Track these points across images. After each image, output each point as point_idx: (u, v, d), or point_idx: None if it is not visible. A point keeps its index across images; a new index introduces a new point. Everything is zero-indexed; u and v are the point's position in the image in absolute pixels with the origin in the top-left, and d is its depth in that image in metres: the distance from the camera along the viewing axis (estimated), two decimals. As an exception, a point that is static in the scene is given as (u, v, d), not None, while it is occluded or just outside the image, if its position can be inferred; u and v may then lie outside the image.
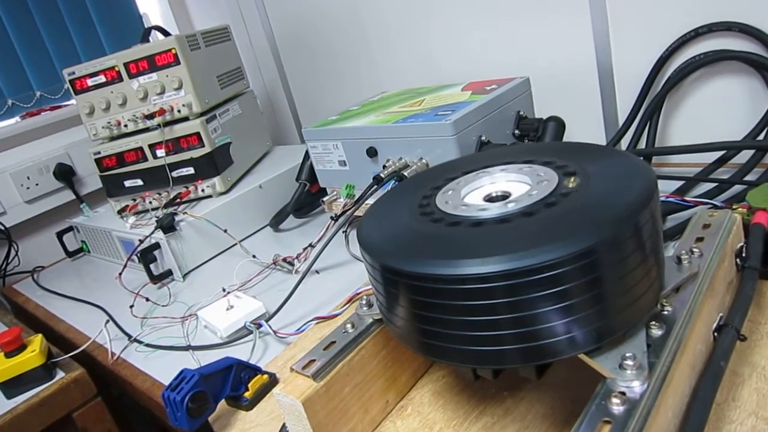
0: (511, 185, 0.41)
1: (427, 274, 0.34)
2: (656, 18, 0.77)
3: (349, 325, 0.44)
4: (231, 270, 0.82)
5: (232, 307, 0.70)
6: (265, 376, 0.54)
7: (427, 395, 0.47)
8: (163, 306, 0.80)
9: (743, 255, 0.46)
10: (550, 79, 0.90)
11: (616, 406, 0.30)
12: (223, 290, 0.78)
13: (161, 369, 0.66)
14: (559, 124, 0.76)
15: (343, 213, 0.76)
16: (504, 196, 0.40)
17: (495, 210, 0.37)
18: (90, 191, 1.23)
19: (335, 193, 0.88)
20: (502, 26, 0.92)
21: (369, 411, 0.44)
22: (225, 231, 0.88)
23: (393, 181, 0.72)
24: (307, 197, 0.98)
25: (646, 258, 0.34)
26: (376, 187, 0.73)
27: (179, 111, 0.95)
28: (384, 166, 0.76)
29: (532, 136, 0.78)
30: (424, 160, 0.73)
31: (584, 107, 0.89)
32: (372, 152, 0.78)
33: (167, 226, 0.86)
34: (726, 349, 0.38)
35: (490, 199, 0.41)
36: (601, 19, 0.81)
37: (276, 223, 0.98)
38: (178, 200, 0.94)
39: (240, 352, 0.64)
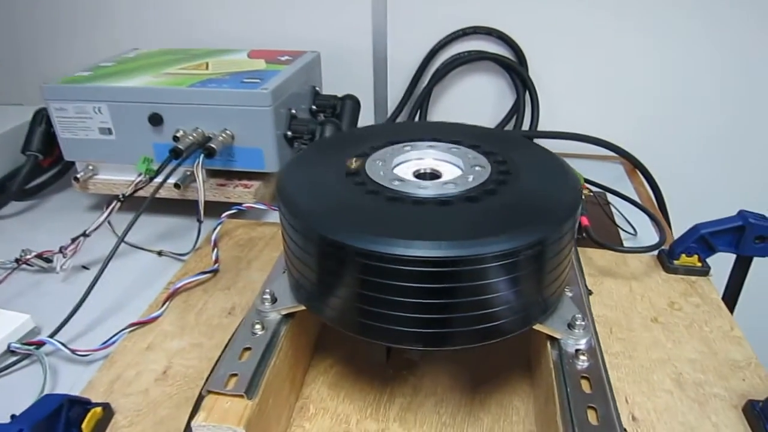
0: (440, 165, 0.40)
1: (385, 254, 0.31)
2: (430, 15, 0.85)
3: (258, 326, 0.37)
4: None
5: (-23, 325, 0.50)
6: (98, 408, 0.41)
7: (324, 389, 0.43)
8: None
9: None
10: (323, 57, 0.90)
11: (582, 363, 0.34)
12: (-60, 304, 0.55)
13: None
14: (356, 104, 0.78)
15: (134, 192, 0.62)
16: (433, 175, 0.40)
17: (444, 189, 0.36)
18: None
19: (91, 168, 0.71)
20: (279, -4, 0.88)
21: (281, 420, 0.39)
22: None
23: (201, 155, 0.62)
24: (35, 174, 0.76)
25: (574, 243, 0.38)
26: (176, 162, 0.62)
27: None
28: (175, 137, 0.65)
29: (329, 113, 0.78)
30: (228, 132, 0.65)
31: (356, 90, 0.92)
32: (156, 120, 0.66)
33: None
34: (588, 301, 0.45)
35: (419, 175, 0.40)
36: (381, 7, 0.86)
37: (-11, 207, 0.73)
38: None
39: (9, 384, 0.47)
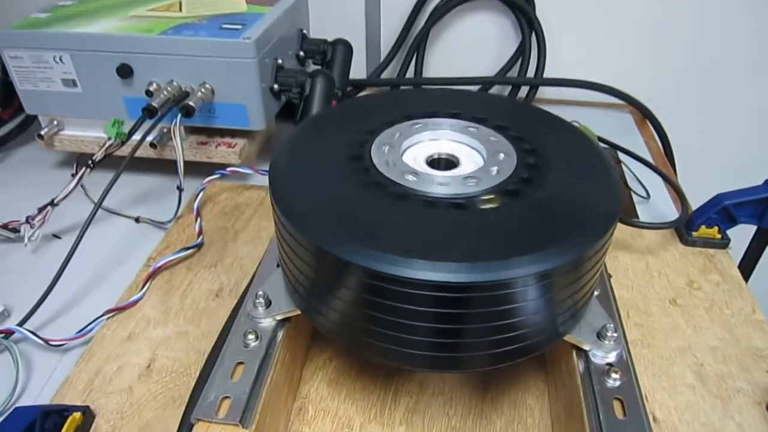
0: (457, 148, 0.35)
1: (397, 277, 0.27)
2: (429, -56, 0.76)
3: (251, 336, 0.33)
4: None
5: (-64, 310, 0.46)
6: (77, 414, 0.37)
7: (323, 387, 0.40)
8: None
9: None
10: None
11: (614, 381, 0.31)
12: None
13: None
14: (348, 49, 0.71)
15: (105, 157, 0.56)
16: (449, 162, 0.34)
17: (464, 186, 0.31)
18: None
19: (56, 123, 0.64)
20: None
21: (278, 429, 0.35)
22: None
23: (178, 115, 0.56)
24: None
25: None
26: (151, 121, 0.55)
27: None
28: (148, 92, 0.58)
29: (318, 60, 0.71)
30: (208, 86, 0.58)
31: (346, 32, 0.83)
32: (126, 71, 0.58)
33: None
34: (615, 301, 0.41)
35: (432, 162, 0.34)
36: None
37: (-56, 165, 0.67)
38: None
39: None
